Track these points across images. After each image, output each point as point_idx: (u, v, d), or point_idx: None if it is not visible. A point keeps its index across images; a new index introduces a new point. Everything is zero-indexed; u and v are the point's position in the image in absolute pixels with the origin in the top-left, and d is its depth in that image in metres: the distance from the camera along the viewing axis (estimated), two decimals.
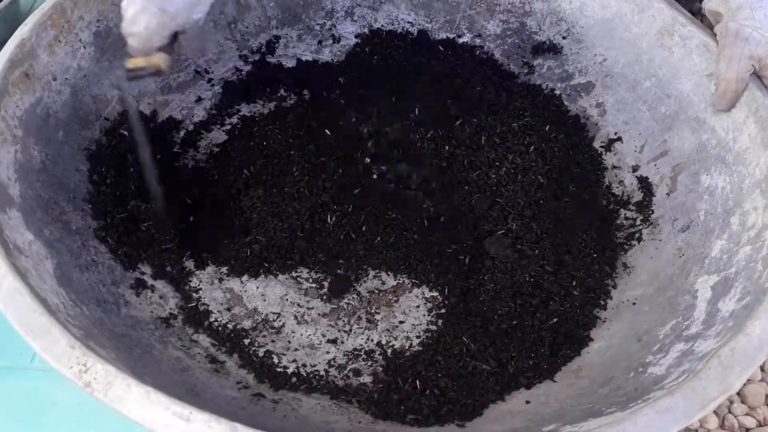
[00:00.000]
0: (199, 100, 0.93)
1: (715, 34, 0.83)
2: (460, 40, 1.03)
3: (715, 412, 0.81)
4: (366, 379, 0.71)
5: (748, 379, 0.83)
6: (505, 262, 0.76)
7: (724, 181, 0.79)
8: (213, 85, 0.95)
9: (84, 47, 0.80)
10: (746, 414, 0.81)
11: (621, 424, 0.51)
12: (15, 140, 0.69)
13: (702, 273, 0.73)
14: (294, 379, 0.69)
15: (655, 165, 0.88)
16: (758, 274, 0.65)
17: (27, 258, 0.60)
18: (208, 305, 0.75)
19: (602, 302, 0.78)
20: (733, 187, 0.77)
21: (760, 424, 0.80)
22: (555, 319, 0.74)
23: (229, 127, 0.92)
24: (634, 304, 0.76)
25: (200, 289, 0.76)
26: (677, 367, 0.62)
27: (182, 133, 0.90)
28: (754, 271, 0.66)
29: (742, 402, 0.82)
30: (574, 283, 0.78)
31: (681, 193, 0.83)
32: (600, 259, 0.82)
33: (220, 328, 0.73)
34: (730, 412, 0.81)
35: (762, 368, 0.85)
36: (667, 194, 0.85)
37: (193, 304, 0.74)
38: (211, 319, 0.74)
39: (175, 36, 0.72)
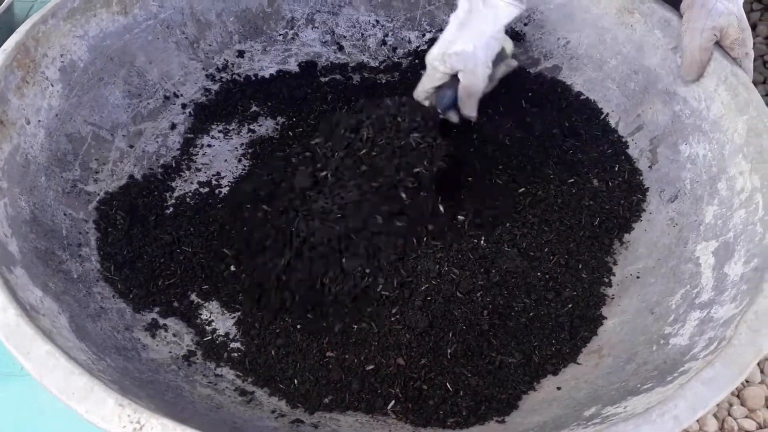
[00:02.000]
0: (173, 126, 0.90)
1: (675, 9, 0.87)
2: (425, 37, 1.03)
3: (714, 414, 0.83)
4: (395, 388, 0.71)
5: (748, 382, 0.86)
6: (517, 270, 0.76)
7: (704, 149, 0.82)
8: (184, 109, 0.92)
9: (51, 85, 0.77)
10: (746, 417, 0.83)
11: (673, 400, 0.53)
12: (2, 193, 0.66)
13: (699, 240, 0.76)
14: (327, 399, 0.68)
15: (633, 140, 0.91)
16: (760, 236, 0.68)
17: (44, 317, 0.58)
18: (223, 336, 0.73)
19: (606, 280, 0.80)
20: (714, 154, 0.80)
21: (759, 427, 0.82)
22: (570, 305, 0.76)
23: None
24: (638, 277, 0.79)
25: (212, 321, 0.74)
26: (701, 336, 0.64)
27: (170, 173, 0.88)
28: (755, 233, 0.69)
29: (742, 404, 0.84)
30: (580, 267, 0.79)
31: (663, 164, 0.87)
32: (595, 239, 0.84)
33: (240, 358, 0.71)
34: (729, 414, 0.83)
35: (762, 370, 0.88)
36: (650, 167, 0.88)
37: (209, 337, 0.72)
38: (229, 349, 0.72)
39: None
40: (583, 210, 0.84)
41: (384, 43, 1.04)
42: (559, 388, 0.69)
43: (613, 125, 0.93)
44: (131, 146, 0.85)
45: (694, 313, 0.68)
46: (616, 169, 0.88)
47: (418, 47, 1.04)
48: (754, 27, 1.40)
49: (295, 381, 0.69)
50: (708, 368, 0.55)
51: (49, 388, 0.51)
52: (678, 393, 0.54)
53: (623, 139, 0.92)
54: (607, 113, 0.94)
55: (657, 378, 0.62)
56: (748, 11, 1.43)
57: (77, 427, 0.73)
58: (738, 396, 0.86)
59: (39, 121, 0.74)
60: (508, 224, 0.81)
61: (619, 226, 0.84)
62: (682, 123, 0.85)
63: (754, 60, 1.33)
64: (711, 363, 0.56)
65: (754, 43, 1.34)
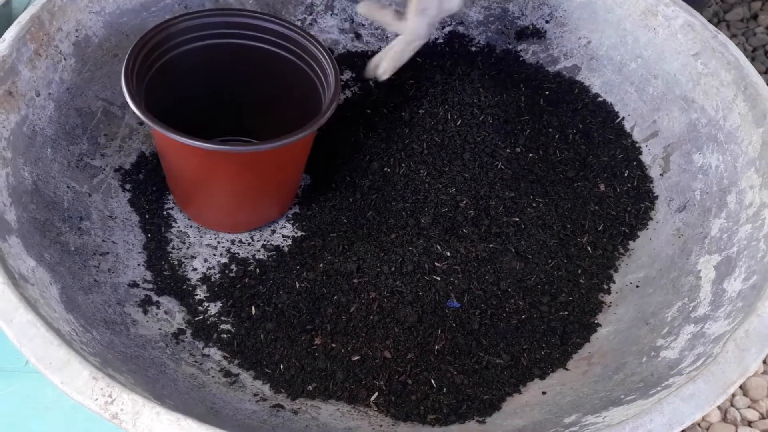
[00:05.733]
0: None
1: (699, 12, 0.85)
2: (444, 30, 1.02)
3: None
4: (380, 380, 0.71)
5: None
6: (512, 274, 0.75)
7: (717, 159, 0.80)
8: None
9: (65, 59, 0.78)
10: (749, 407, 0.82)
11: (648, 414, 0.52)
12: (5, 163, 0.67)
13: (703, 253, 0.74)
14: (310, 387, 0.69)
15: (647, 146, 0.89)
16: (762, 253, 0.66)
17: (33, 286, 0.59)
18: (214, 316, 0.74)
19: (605, 287, 0.79)
20: (726, 165, 0.78)
21: (762, 417, 0.81)
22: (565, 311, 0.75)
23: None
24: (637, 286, 0.77)
25: (204, 300, 0.75)
26: (691, 350, 0.63)
27: None
28: (757, 249, 0.67)
29: (745, 395, 0.83)
30: (579, 272, 0.78)
31: (675, 173, 0.85)
32: (598, 245, 0.82)
33: (229, 339, 0.72)
34: (732, 405, 0.82)
35: (765, 361, 0.86)
36: (661, 175, 0.86)
37: (200, 317, 0.73)
38: (219, 330, 0.73)
39: None
40: (588, 215, 0.83)
41: None
42: (544, 393, 0.69)
43: (628, 130, 0.92)
44: (141, 123, 0.86)
45: (688, 327, 0.67)
46: (626, 174, 0.86)
47: (436, 39, 1.03)
48: (755, 17, 1.35)
49: (281, 366, 0.70)
50: (690, 384, 0.54)
51: (27, 356, 0.52)
52: (655, 407, 0.53)
53: (637, 145, 0.90)
54: (623, 117, 0.93)
55: (641, 390, 0.61)
56: (750, 0, 1.38)
57: (83, 423, 0.74)
58: (741, 387, 0.85)
59: (49, 94, 0.76)
60: (506, 221, 0.80)
61: (624, 234, 0.82)
62: (698, 132, 0.83)
63: (756, 50, 1.32)
64: (693, 379, 0.55)
65: (755, 33, 1.31)
